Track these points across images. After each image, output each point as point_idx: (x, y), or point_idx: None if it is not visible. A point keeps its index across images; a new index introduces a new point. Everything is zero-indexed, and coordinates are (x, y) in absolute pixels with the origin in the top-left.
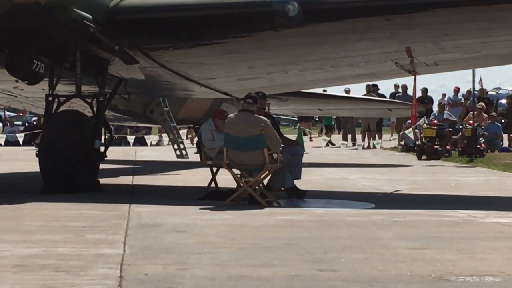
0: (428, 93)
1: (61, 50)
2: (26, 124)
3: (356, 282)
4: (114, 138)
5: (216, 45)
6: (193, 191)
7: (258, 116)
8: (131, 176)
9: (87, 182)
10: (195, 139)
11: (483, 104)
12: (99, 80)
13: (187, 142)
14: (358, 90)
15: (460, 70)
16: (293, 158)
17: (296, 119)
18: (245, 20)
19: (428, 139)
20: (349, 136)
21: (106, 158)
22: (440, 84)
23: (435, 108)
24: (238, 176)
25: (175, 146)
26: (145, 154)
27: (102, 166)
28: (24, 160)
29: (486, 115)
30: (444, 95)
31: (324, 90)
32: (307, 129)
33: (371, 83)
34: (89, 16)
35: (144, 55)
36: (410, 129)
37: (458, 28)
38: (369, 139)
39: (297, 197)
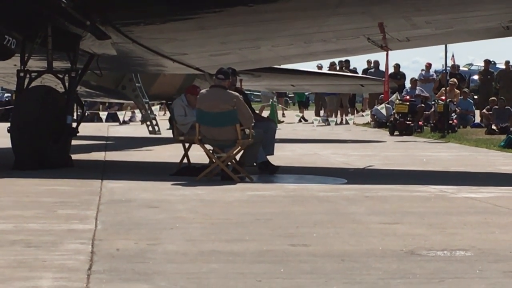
0: (401, 69)
1: (32, 26)
2: None
3: (327, 256)
4: (86, 114)
5: (188, 20)
6: (165, 167)
7: (230, 91)
8: (103, 152)
9: (59, 158)
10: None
11: (455, 80)
12: (71, 55)
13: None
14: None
15: (432, 45)
16: (266, 134)
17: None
18: None
19: (400, 114)
20: (321, 112)
21: (78, 134)
22: (413, 60)
23: (408, 84)
24: (211, 151)
25: (148, 122)
26: (118, 130)
27: (74, 142)
28: None
29: (458, 91)
30: (423, 70)
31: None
32: (280, 105)
33: (343, 58)
34: None
35: (116, 31)
36: (383, 105)
37: (430, 3)
38: (341, 115)
39: (269, 172)
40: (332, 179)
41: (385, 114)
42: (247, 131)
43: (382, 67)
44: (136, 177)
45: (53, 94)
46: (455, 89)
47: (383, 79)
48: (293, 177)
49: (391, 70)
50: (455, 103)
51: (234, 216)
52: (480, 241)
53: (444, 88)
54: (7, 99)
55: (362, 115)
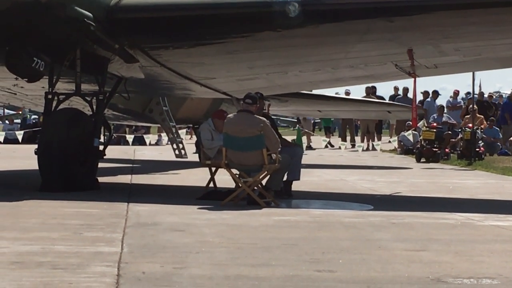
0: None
1: (61, 48)
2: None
3: (353, 283)
4: (113, 136)
5: (216, 45)
6: (191, 190)
7: (257, 116)
8: (130, 175)
9: (86, 180)
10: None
11: (476, 107)
12: (99, 78)
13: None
14: (358, 92)
15: (460, 73)
16: (292, 159)
17: (296, 120)
18: (245, 21)
19: (427, 141)
20: (348, 138)
21: (105, 157)
22: (441, 87)
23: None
24: (237, 176)
25: (174, 146)
26: (144, 153)
27: (100, 164)
28: (23, 157)
29: (481, 116)
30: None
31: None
32: (307, 130)
33: (370, 85)
34: (90, 14)
35: (144, 54)
36: (410, 132)
37: (458, 31)
38: (368, 141)
39: (287, 195)
40: (358, 205)
41: (412, 141)
42: (274, 156)
43: (410, 94)
44: (162, 200)
45: (80, 117)
46: (480, 116)
47: (411, 105)
48: (319, 203)
49: (420, 97)
50: (482, 130)
51: (260, 241)
52: (507, 270)
53: (469, 115)
54: (34, 121)
55: (389, 141)
